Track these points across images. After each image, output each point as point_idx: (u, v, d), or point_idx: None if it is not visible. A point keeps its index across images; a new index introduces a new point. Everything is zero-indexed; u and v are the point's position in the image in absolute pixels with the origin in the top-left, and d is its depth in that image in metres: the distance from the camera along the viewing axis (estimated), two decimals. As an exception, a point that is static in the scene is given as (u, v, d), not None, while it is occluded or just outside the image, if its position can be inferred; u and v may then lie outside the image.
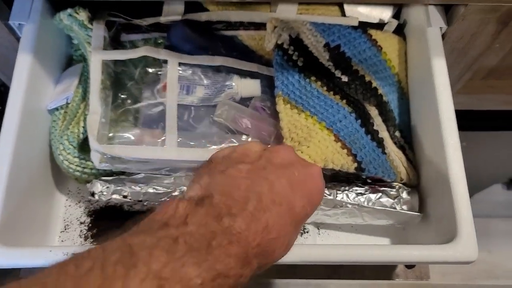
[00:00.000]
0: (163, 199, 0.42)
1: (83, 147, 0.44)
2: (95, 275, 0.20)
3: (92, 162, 0.43)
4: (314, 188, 0.31)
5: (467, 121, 0.71)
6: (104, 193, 0.43)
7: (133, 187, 0.42)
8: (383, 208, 0.43)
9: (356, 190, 0.43)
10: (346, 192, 0.43)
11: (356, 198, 0.43)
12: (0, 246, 0.36)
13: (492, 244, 1.19)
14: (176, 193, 0.42)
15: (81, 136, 0.44)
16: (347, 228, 0.48)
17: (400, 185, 0.44)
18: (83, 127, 0.44)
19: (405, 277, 0.50)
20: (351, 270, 0.50)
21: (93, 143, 0.39)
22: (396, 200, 0.43)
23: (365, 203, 0.43)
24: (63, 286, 0.20)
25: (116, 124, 0.41)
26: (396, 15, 0.49)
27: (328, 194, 0.43)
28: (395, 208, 0.43)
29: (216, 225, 0.24)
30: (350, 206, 0.43)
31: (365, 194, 0.43)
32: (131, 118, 0.43)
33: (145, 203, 0.43)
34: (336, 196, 0.43)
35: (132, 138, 0.40)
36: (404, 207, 0.43)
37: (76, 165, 0.44)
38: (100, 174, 0.45)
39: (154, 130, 0.41)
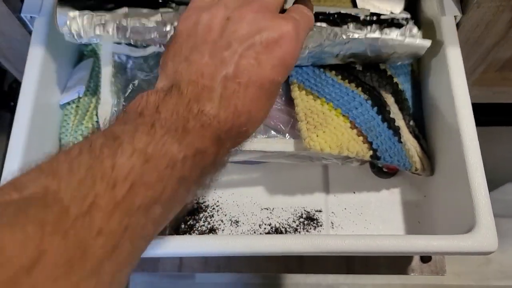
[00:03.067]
0: (153, 35, 0.38)
1: None
2: (84, 158, 0.22)
3: None
4: (287, 53, 0.28)
5: (480, 115, 0.70)
6: (84, 28, 0.38)
7: (118, 21, 0.38)
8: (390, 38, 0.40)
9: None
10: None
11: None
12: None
13: (506, 244, 1.17)
14: (168, 28, 0.38)
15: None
16: (362, 222, 0.48)
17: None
18: (97, 121, 0.44)
19: (420, 272, 0.49)
20: (365, 264, 0.49)
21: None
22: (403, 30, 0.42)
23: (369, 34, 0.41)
24: (56, 169, 0.21)
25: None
26: (408, 8, 0.49)
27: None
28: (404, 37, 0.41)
29: (187, 112, 0.25)
30: (356, 36, 0.40)
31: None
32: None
33: (132, 41, 0.39)
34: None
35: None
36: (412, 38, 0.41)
37: None
38: None
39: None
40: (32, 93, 0.41)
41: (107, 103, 0.41)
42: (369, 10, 0.48)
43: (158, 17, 0.38)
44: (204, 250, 0.36)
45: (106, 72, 0.42)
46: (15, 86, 0.58)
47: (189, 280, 1.14)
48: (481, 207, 0.36)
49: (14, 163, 0.38)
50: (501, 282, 1.11)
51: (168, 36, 0.39)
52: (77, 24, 0.38)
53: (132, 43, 0.40)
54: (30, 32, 0.45)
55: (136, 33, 0.38)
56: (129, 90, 0.42)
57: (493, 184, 1.13)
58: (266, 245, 0.36)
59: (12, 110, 0.60)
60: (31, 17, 0.44)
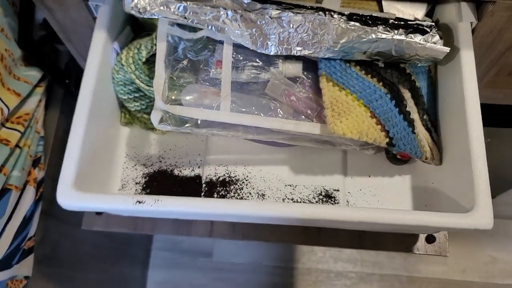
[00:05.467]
0: (207, 16, 0.45)
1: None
2: None
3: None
4: None
5: (493, 115, 0.74)
6: (150, 4, 0.44)
7: (180, 1, 0.44)
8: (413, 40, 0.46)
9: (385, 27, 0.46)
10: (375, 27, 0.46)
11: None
12: (77, 191, 0.43)
13: (512, 245, 1.21)
14: (221, 12, 0.45)
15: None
16: (375, 203, 0.53)
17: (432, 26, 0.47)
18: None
19: (424, 251, 0.54)
20: (375, 241, 0.54)
21: (159, 103, 0.45)
22: (426, 36, 0.46)
23: (396, 36, 0.46)
24: None
25: (177, 88, 0.48)
26: (429, 14, 0.54)
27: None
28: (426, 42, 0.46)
29: None
30: (383, 36, 0.45)
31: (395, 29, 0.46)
32: (192, 81, 0.49)
33: (188, 20, 0.46)
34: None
35: (192, 99, 0.47)
36: (433, 44, 0.46)
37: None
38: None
39: (213, 88, 0.47)
40: (95, 68, 0.48)
41: (161, 77, 0.47)
42: (395, 14, 0.53)
43: (213, 3, 0.45)
44: (238, 212, 0.42)
45: (161, 50, 0.48)
46: (71, 65, 0.65)
47: (207, 258, 1.21)
48: (481, 190, 0.42)
49: (80, 129, 0.45)
50: (506, 281, 1.15)
51: (220, 20, 0.45)
52: (144, 0, 0.44)
53: (188, 22, 0.46)
54: (94, 18, 0.51)
55: (194, 13, 0.45)
56: (179, 68, 0.49)
57: (503, 186, 1.17)
58: (291, 211, 0.42)
59: (66, 87, 0.67)
60: (96, 5, 0.50)
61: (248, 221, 0.55)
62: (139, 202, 0.43)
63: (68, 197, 0.43)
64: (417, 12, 0.54)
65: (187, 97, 0.47)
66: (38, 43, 0.59)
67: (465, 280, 1.16)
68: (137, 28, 0.56)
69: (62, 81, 0.64)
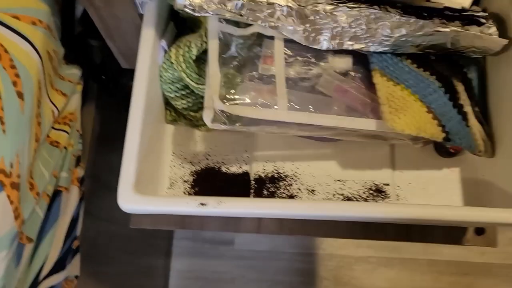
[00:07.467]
0: (263, 14, 0.45)
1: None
2: None
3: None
4: None
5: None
6: (206, 2, 0.44)
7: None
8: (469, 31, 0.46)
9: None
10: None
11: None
12: (137, 194, 0.43)
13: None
14: (276, 9, 0.45)
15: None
16: (424, 196, 0.53)
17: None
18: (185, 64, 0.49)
19: (474, 243, 0.54)
20: (423, 233, 0.55)
21: (216, 102, 0.44)
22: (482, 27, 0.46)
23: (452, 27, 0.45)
24: None
25: (232, 86, 0.47)
26: (475, 3, 0.53)
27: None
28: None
29: None
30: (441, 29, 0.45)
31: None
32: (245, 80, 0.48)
33: (244, 17, 0.45)
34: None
35: (249, 98, 0.46)
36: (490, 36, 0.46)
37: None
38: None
39: (268, 86, 0.47)
40: (146, 65, 0.47)
41: (216, 76, 0.46)
42: (443, 4, 0.52)
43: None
44: (304, 212, 0.42)
45: (213, 49, 0.47)
46: (107, 61, 0.64)
47: (228, 246, 1.21)
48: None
49: (135, 134, 0.45)
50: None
51: (275, 16, 0.45)
52: None
53: (242, 19, 0.46)
54: (140, 15, 0.50)
55: (250, 10, 0.45)
56: (233, 66, 0.48)
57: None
58: (345, 209, 0.42)
59: (102, 83, 0.66)
60: (142, 1, 0.49)
61: (307, 218, 0.55)
62: (202, 204, 0.42)
63: (131, 201, 0.42)
64: (464, 1, 0.53)
65: (244, 96, 0.46)
66: (77, 40, 0.57)
67: (484, 262, 1.18)
68: (177, 24, 0.55)
69: (98, 77, 0.63)
